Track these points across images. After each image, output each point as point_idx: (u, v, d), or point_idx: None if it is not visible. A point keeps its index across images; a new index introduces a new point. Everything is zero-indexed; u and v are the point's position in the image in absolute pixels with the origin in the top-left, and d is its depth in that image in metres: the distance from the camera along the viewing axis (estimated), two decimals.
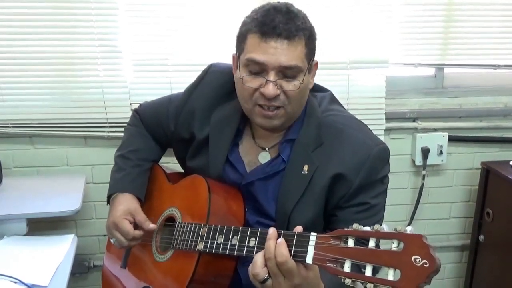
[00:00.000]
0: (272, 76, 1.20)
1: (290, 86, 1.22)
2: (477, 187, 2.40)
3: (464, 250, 2.59)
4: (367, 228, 0.92)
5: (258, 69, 1.22)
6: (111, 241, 1.45)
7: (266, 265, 1.05)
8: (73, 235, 1.74)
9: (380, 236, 0.90)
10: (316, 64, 1.32)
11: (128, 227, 1.38)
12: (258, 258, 1.07)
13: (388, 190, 1.35)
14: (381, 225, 0.91)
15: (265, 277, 1.05)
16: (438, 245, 2.55)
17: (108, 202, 1.50)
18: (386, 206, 1.34)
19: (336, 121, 1.33)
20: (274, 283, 1.05)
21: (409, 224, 2.44)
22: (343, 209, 1.29)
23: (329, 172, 1.26)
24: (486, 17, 2.28)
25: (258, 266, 1.06)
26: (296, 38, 1.20)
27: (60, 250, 1.63)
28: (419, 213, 2.47)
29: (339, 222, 1.28)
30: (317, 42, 1.29)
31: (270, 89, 1.20)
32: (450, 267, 2.62)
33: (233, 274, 1.30)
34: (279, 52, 1.19)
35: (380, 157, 1.29)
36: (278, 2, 1.26)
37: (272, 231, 1.07)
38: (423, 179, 2.41)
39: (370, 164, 1.26)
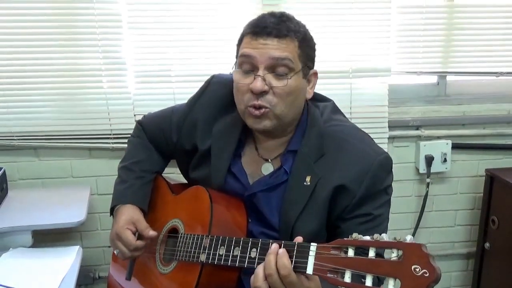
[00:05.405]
0: (261, 71, 1.21)
1: (279, 83, 1.22)
2: (482, 194, 2.39)
3: (470, 258, 2.57)
4: (367, 238, 0.93)
5: (250, 67, 1.23)
6: (115, 252, 1.45)
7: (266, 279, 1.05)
8: (78, 246, 1.74)
9: (379, 245, 0.90)
10: (316, 74, 1.32)
11: (130, 237, 1.38)
12: (260, 270, 1.06)
13: (392, 199, 1.34)
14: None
15: None
16: (444, 253, 2.54)
17: (111, 214, 1.51)
18: (390, 215, 1.34)
19: (338, 131, 1.32)
20: None
21: (414, 233, 2.44)
22: (346, 220, 1.28)
23: (331, 183, 1.26)
24: (488, 25, 2.29)
25: (259, 280, 1.06)
26: (287, 37, 1.21)
27: (65, 261, 1.63)
28: (424, 221, 2.47)
29: (342, 233, 1.27)
30: (317, 53, 1.30)
31: (258, 84, 1.21)
32: (456, 275, 2.61)
33: (236, 284, 1.30)
34: (269, 47, 1.21)
35: (382, 167, 1.28)
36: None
37: (274, 246, 1.06)
38: (428, 187, 2.40)
39: (373, 175, 1.25)
